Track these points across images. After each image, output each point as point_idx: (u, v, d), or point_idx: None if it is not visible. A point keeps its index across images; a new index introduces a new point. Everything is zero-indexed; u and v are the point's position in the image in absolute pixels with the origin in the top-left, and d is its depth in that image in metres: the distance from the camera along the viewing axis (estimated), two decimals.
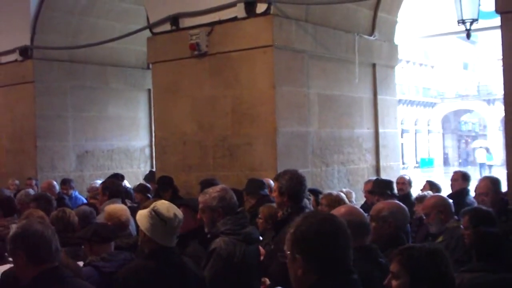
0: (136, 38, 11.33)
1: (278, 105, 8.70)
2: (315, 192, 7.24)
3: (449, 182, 8.50)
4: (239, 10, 8.93)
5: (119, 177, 10.49)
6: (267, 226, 6.08)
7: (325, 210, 5.69)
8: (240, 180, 8.13)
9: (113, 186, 7.82)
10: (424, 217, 5.94)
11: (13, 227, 3.95)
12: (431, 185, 8.55)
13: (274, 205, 6.10)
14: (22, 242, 3.61)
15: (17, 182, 11.19)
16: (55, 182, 10.40)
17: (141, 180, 11.36)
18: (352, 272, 2.83)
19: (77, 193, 10.99)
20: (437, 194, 6.93)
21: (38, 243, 3.58)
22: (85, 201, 9.99)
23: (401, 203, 5.02)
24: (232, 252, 4.70)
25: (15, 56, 12.36)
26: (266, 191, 7.07)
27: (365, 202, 8.29)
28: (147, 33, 10.27)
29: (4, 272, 4.38)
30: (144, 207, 4.60)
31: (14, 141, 12.49)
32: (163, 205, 4.30)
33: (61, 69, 12.50)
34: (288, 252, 2.82)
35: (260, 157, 8.72)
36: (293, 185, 5.15)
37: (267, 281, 4.87)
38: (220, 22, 9.15)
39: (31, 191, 8.88)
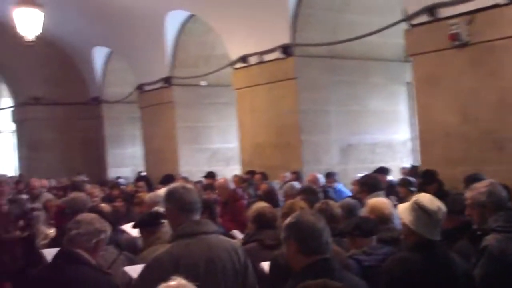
0: (394, 31, 11.29)
1: None
2: None
3: None
4: None
5: (384, 171, 10.53)
6: None
7: None
8: (510, 176, 7.73)
9: (371, 180, 7.88)
10: None
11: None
12: None
13: None
14: (294, 232, 3.80)
15: (287, 174, 11.63)
16: (319, 175, 10.70)
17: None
18: None
19: (341, 185, 11.23)
20: None
21: (309, 234, 3.74)
22: (349, 194, 10.19)
23: None
24: (505, 250, 4.48)
25: (277, 54, 12.89)
26: None
27: None
28: (404, 25, 10.21)
29: (275, 256, 4.64)
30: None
31: (280, 136, 13.05)
32: (426, 198, 4.28)
33: (322, 65, 12.82)
34: None
35: None
36: None
37: None
38: (480, 9, 8.79)
39: (296, 184, 9.25)
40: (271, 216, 5.86)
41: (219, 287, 4.10)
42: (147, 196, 8.22)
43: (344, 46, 12.53)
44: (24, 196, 11.28)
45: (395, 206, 5.90)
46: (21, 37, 13.96)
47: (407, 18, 10.03)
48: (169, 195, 4.34)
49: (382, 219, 5.71)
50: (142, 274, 4.13)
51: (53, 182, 15.59)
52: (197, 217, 4.28)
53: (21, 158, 22.66)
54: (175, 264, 3.95)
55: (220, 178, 10.96)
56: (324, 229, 3.80)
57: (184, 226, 4.17)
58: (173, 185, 4.61)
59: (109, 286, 4.29)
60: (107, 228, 4.54)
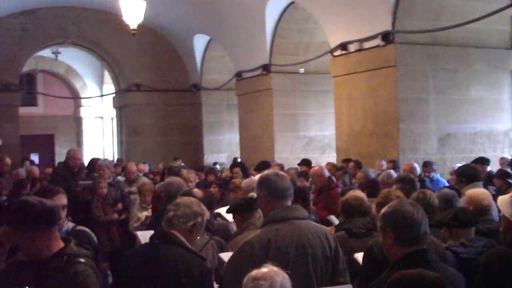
0: (499, 17, 10.90)
1: None
2: None
3: None
4: None
5: (484, 162, 10.24)
6: None
7: None
8: None
9: (469, 171, 7.68)
10: None
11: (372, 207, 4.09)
12: None
13: None
14: (391, 221, 3.74)
15: (383, 162, 11.51)
16: (416, 164, 10.50)
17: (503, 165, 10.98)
18: None
19: (438, 175, 10.98)
20: None
21: (407, 224, 3.67)
22: (446, 184, 9.96)
23: None
24: None
25: (377, 42, 12.67)
26: None
27: None
28: (510, 11, 9.83)
29: (369, 246, 4.58)
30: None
31: (377, 124, 12.87)
32: None
33: (422, 52, 12.50)
34: None
35: None
36: None
37: None
38: None
39: (394, 173, 9.14)
40: (356, 204, 5.80)
41: (309, 272, 4.09)
42: (243, 182, 8.28)
43: (446, 33, 12.18)
44: (121, 179, 11.60)
45: (493, 197, 5.73)
46: (125, 26, 14.36)
47: None
48: (262, 181, 4.37)
49: (481, 210, 5.57)
50: (232, 259, 4.18)
51: (147, 167, 15.91)
52: (288, 203, 4.29)
53: (120, 143, 23.35)
54: (265, 248, 3.98)
55: (315, 166, 10.92)
56: (422, 219, 3.73)
57: (275, 211, 4.18)
58: (265, 171, 4.61)
59: (201, 269, 4.34)
60: (205, 212, 4.61)
